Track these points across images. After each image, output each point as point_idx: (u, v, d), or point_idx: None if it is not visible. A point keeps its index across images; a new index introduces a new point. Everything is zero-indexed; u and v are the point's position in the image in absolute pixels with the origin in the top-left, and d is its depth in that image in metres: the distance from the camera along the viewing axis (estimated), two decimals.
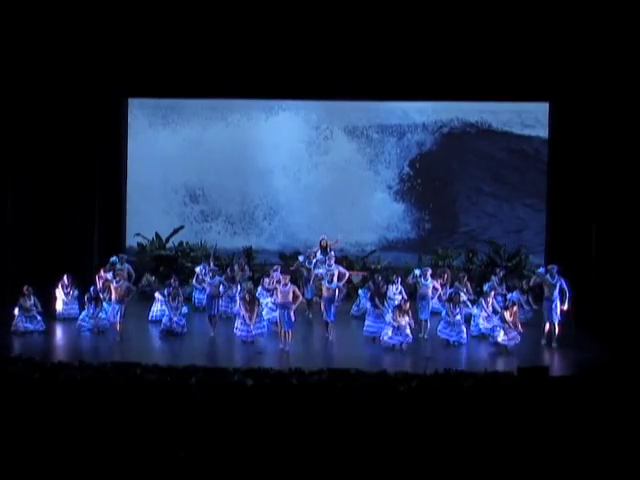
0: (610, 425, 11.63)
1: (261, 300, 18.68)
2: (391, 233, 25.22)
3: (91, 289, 18.80)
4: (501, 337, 17.22)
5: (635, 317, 17.83)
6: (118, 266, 19.52)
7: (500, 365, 15.32)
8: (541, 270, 18.30)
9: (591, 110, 19.08)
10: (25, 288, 18.42)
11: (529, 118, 24.37)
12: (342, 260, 21.47)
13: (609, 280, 17.98)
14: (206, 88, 21.29)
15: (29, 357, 14.49)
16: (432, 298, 18.50)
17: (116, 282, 18.35)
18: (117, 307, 18.06)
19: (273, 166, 25.02)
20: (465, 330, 17.75)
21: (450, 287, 19.13)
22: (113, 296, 18.21)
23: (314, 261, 19.66)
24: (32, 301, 18.37)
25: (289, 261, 22.28)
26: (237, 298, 19.32)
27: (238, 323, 17.98)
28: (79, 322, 18.55)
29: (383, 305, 18.05)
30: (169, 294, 18.64)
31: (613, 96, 18.46)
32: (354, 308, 20.09)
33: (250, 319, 17.72)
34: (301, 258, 20.27)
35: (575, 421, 11.74)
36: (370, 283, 19.61)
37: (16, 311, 18.29)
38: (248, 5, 19.84)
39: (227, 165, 24.83)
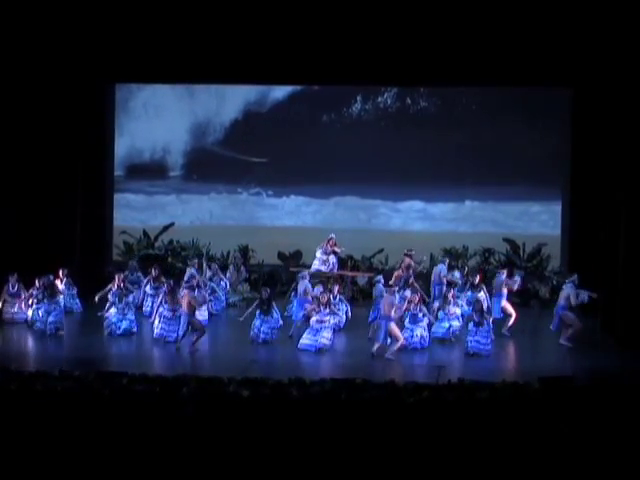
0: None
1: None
2: None
3: (45, 278, 18.53)
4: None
5: None
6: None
7: (519, 375, 14.72)
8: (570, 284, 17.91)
9: (615, 99, 18.94)
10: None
11: None
12: (347, 260, 21.34)
13: (637, 284, 17.38)
14: (195, 73, 21.30)
15: (4, 366, 14.01)
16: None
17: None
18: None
19: None
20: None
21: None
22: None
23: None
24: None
25: (288, 261, 22.11)
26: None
27: (157, 321, 17.65)
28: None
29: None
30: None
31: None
32: (372, 314, 18.74)
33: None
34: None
35: (603, 436, 11.09)
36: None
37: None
38: None
39: None
